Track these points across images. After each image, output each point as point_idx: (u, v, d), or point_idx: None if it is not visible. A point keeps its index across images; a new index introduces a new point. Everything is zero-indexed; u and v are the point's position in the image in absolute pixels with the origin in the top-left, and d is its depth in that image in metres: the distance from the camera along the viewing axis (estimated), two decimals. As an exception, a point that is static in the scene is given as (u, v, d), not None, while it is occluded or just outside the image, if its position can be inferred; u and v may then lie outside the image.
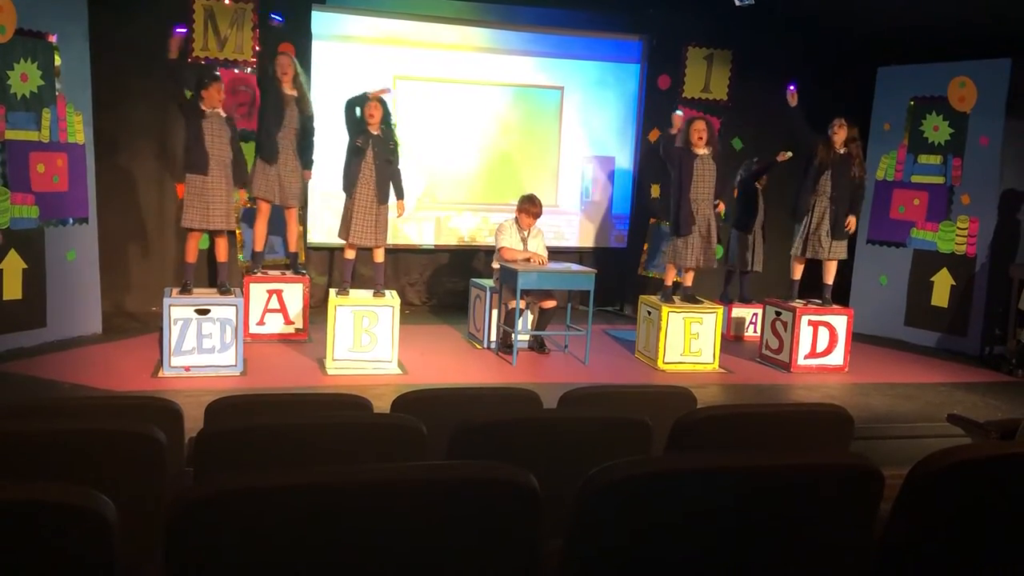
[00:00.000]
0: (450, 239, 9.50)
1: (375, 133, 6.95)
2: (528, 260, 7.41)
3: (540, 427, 2.77)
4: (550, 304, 7.58)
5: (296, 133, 7.45)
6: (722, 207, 7.54)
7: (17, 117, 6.74)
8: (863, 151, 7.82)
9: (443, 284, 9.53)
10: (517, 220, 7.62)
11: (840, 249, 7.54)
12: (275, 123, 7.33)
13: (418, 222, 9.27)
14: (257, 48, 8.31)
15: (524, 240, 7.60)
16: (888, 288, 9.12)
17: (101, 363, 6.67)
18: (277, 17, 7.46)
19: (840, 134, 7.41)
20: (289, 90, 7.39)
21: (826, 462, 1.94)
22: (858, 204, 7.65)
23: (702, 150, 7.34)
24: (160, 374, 6.40)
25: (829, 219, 7.43)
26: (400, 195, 7.17)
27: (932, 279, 8.81)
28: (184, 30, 7.04)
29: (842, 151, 7.42)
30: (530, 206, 7.57)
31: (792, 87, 7.47)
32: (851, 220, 7.52)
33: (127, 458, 2.38)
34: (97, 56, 7.38)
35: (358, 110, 6.99)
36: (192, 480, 2.64)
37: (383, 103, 7.01)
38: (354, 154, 6.98)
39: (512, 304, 7.24)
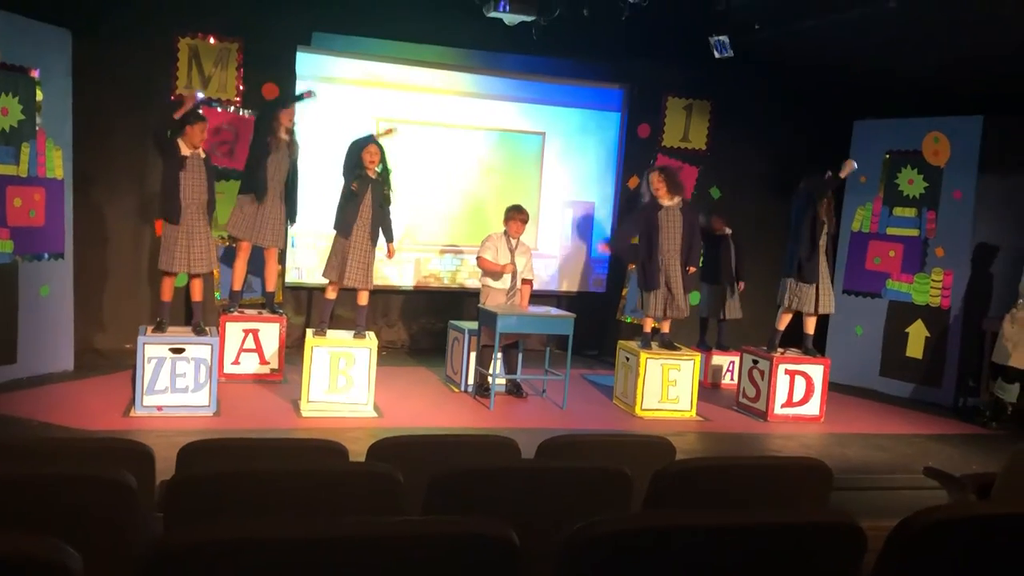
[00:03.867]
0: (429, 281, 9.49)
1: (372, 177, 6.93)
2: (503, 269, 7.42)
3: (519, 477, 2.74)
4: (509, 340, 7.49)
5: (283, 179, 7.44)
6: (692, 270, 7.48)
7: (-5, 151, 6.70)
8: (839, 202, 7.92)
9: (421, 325, 9.49)
10: (506, 232, 7.58)
11: None
12: (264, 163, 7.29)
13: (398, 264, 9.24)
14: (241, 87, 8.33)
15: (512, 251, 7.56)
16: (863, 338, 9.18)
17: (72, 401, 6.55)
18: (311, 92, 7.62)
19: None
20: (284, 135, 7.41)
21: (808, 520, 1.93)
22: (832, 254, 7.75)
23: (667, 201, 7.40)
24: (132, 413, 6.30)
25: (829, 273, 7.57)
26: (390, 238, 7.14)
27: (907, 330, 8.88)
28: None
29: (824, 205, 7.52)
30: (517, 213, 7.55)
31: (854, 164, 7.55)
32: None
33: (96, 504, 2.33)
34: (79, 92, 7.36)
35: (358, 152, 6.92)
36: (162, 525, 2.58)
37: (382, 148, 6.98)
38: (349, 198, 6.94)
39: (487, 342, 7.21)
